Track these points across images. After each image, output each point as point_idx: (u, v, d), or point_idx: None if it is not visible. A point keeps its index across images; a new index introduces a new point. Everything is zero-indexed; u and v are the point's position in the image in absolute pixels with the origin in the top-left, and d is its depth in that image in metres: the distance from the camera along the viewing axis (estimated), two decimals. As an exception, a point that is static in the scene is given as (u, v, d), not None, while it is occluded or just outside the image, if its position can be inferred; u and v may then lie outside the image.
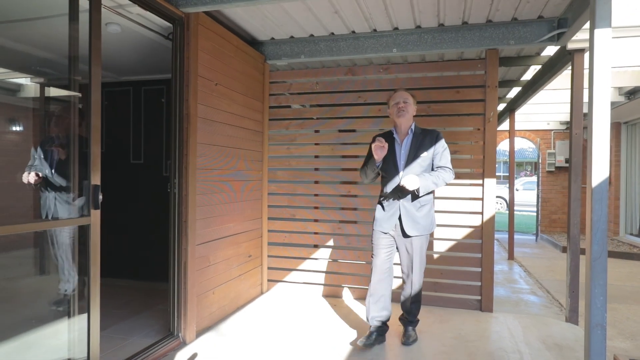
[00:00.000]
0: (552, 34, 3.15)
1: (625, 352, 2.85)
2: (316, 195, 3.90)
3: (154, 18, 2.66)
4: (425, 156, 2.60)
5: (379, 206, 2.75)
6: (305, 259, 3.91)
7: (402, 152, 2.65)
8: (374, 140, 2.61)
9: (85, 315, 2.01)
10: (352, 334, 2.90)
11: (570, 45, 3.18)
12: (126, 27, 2.78)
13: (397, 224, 2.63)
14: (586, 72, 2.36)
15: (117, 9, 2.48)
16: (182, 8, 2.62)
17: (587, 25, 2.60)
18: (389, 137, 2.71)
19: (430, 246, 3.61)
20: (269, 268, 3.94)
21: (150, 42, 3.21)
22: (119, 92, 4.19)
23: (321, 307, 3.51)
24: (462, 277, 3.52)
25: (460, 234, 3.53)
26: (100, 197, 2.00)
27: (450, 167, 2.63)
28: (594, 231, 2.02)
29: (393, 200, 2.63)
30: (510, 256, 6.05)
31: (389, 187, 2.66)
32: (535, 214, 8.51)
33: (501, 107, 6.50)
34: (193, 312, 2.75)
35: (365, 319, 2.75)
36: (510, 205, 6.10)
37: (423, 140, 2.64)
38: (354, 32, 3.53)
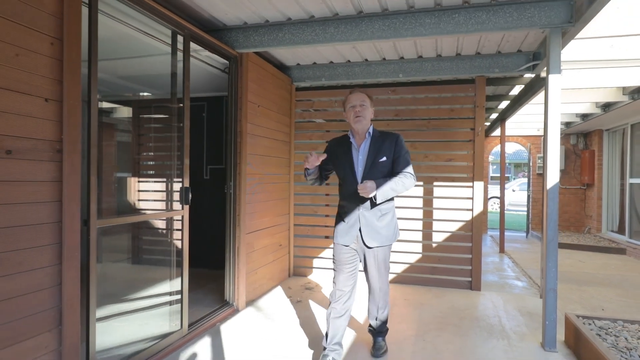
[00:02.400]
0: (529, 64, 3.90)
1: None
2: (327, 195, 4.68)
3: (215, 57, 3.41)
4: (385, 161, 2.41)
5: (337, 217, 2.57)
6: (322, 248, 4.67)
7: (359, 158, 2.45)
8: (329, 143, 2.62)
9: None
10: (361, 314, 3.64)
11: (543, 74, 3.93)
12: (192, 63, 3.53)
13: (358, 236, 2.43)
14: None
15: (192, 52, 3.23)
16: (238, 49, 3.37)
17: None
18: (344, 141, 2.54)
19: (429, 237, 4.37)
20: (294, 256, 4.70)
21: (200, 70, 3.96)
22: (166, 107, 4.94)
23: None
24: (456, 262, 4.27)
25: (455, 227, 4.28)
26: (190, 195, 2.76)
27: (412, 172, 2.42)
28: (549, 221, 2.78)
29: (352, 209, 2.45)
30: (501, 250, 6.78)
31: (347, 195, 2.48)
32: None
33: (494, 116, 7.25)
34: (243, 287, 3.50)
35: (324, 334, 2.59)
36: (501, 205, 6.84)
37: (382, 144, 2.43)
38: (366, 60, 4.27)
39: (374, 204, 2.39)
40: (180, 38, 2.75)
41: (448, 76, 4.15)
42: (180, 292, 2.79)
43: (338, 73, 4.40)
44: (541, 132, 9.15)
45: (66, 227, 1.82)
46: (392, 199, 2.50)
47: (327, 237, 4.70)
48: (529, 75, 4.62)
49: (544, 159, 2.82)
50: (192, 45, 3.04)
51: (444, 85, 4.39)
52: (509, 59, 3.97)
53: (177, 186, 2.72)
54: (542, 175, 9.23)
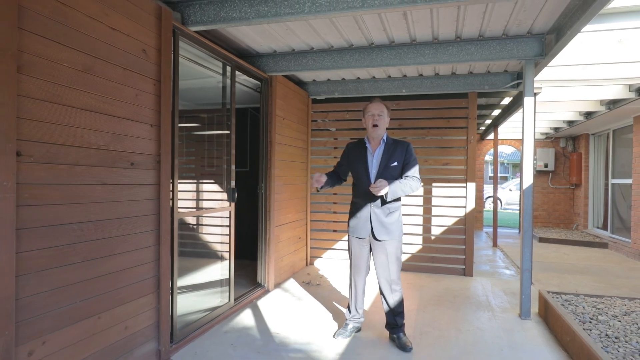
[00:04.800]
0: (513, 83, 4.56)
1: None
2: (335, 194, 5.36)
3: (250, 79, 4.07)
4: (396, 166, 2.72)
5: (351, 212, 2.92)
6: (334, 240, 5.35)
7: (374, 161, 2.77)
8: (347, 146, 2.97)
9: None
10: (370, 297, 4.30)
11: (526, 91, 4.59)
12: (227, 84, 4.20)
13: (369, 230, 2.77)
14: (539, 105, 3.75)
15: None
16: (268, 73, 4.04)
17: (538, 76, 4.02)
18: (361, 145, 2.88)
19: (428, 230, 5.03)
20: (311, 248, 5.38)
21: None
22: (195, 116, 5.61)
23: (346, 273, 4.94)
24: (452, 252, 4.95)
25: (450, 221, 4.95)
26: (235, 195, 3.42)
27: (418, 176, 2.76)
28: (524, 215, 3.44)
29: (364, 206, 2.77)
30: (494, 244, 7.44)
31: (360, 194, 2.82)
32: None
33: (488, 121, 7.92)
34: (272, 271, 4.17)
35: (347, 312, 3.04)
36: (494, 203, 7.51)
37: (394, 150, 2.75)
38: (374, 77, 4.94)
39: (383, 201, 2.71)
40: (228, 68, 3.42)
41: (444, 91, 4.82)
42: (228, 273, 3.46)
43: (349, 88, 5.06)
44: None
45: (162, 218, 2.49)
46: (399, 199, 2.82)
47: (334, 230, 5.37)
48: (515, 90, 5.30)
49: (520, 167, 3.49)
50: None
51: (441, 100, 5.06)
52: (497, 77, 4.64)
53: (209, 187, 3.38)
54: (534, 176, 9.90)
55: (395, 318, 2.85)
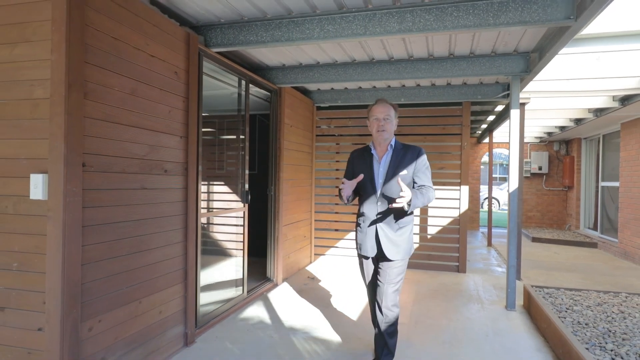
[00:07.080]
0: (504, 93, 4.91)
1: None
2: (337, 195, 5.71)
3: (261, 90, 4.43)
4: (405, 174, 2.36)
5: (357, 228, 2.53)
6: (336, 239, 5.70)
7: (380, 170, 2.41)
8: (352, 154, 2.59)
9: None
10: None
11: (515, 101, 4.94)
12: (238, 93, 4.55)
13: (375, 249, 2.41)
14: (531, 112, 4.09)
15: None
16: (277, 84, 4.39)
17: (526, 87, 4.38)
18: (366, 152, 2.50)
19: (425, 230, 5.39)
20: (315, 246, 5.74)
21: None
22: (209, 122, 5.96)
23: (347, 269, 5.30)
24: (446, 250, 5.30)
25: (445, 222, 5.31)
26: (249, 197, 3.78)
27: (432, 185, 2.43)
28: (511, 216, 3.80)
29: (370, 221, 2.41)
30: (489, 244, 7.79)
31: (366, 207, 2.45)
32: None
33: (484, 126, 8.28)
34: (281, 267, 4.52)
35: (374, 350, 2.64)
36: (489, 204, 7.86)
37: (404, 157, 2.40)
38: (374, 87, 5.29)
39: (397, 215, 2.37)
40: (243, 82, 3.77)
41: (440, 100, 5.18)
42: (242, 268, 3.81)
43: (351, 96, 5.42)
44: (527, 139, 10.16)
45: (189, 217, 2.85)
46: (411, 214, 2.46)
47: (336, 230, 5.73)
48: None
49: (508, 172, 3.85)
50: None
51: (437, 107, 5.41)
52: (489, 88, 4.99)
53: (224, 189, 3.74)
54: (528, 178, 10.25)
55: (386, 341, 2.47)
